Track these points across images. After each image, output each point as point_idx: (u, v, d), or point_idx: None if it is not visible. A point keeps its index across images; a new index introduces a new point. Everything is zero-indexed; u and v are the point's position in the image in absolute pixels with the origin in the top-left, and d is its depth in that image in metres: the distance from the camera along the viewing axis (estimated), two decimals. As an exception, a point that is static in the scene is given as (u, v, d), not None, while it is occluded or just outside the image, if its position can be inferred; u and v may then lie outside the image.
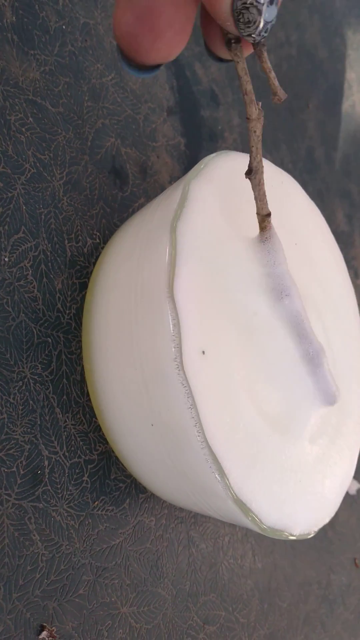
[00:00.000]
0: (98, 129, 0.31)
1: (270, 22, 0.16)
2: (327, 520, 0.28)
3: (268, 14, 0.16)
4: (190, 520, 0.32)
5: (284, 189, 0.27)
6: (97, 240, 0.30)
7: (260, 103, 0.20)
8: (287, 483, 0.26)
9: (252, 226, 0.25)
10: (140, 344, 0.23)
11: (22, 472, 0.24)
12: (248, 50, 0.18)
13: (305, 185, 0.50)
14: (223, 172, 0.26)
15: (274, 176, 0.27)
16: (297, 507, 0.26)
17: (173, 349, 0.22)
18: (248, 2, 0.15)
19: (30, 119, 0.27)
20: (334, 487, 0.28)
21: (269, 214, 0.23)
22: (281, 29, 0.51)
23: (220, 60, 0.18)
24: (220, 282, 0.24)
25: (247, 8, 0.16)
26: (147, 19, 0.14)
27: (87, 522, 0.27)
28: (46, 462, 0.25)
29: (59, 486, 0.26)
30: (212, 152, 0.41)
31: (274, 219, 0.24)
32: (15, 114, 0.27)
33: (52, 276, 0.27)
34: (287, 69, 0.51)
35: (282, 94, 0.19)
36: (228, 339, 0.23)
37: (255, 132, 0.20)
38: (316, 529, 0.27)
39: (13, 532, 0.24)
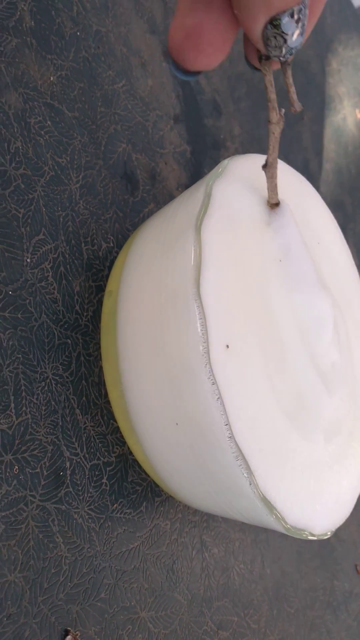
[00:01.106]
0: (111, 135, 0.32)
1: (295, 47, 0.19)
2: (343, 520, 0.28)
3: (293, 42, 0.19)
4: (202, 524, 0.32)
5: (303, 189, 0.28)
6: (111, 244, 0.30)
7: (283, 110, 0.23)
8: (307, 482, 0.26)
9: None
10: (167, 344, 0.24)
11: (45, 474, 0.24)
12: (276, 66, 0.21)
13: (302, 195, 0.51)
14: (242, 173, 0.26)
15: (293, 178, 0.28)
16: (316, 507, 0.26)
17: (201, 349, 0.22)
18: (276, 31, 0.18)
19: (49, 122, 0.28)
20: (350, 488, 0.28)
21: (277, 203, 0.25)
22: (276, 43, 0.52)
23: (256, 69, 0.22)
24: (245, 281, 0.24)
25: (275, 37, 0.18)
26: (193, 38, 0.18)
27: (107, 525, 0.26)
28: (68, 464, 0.25)
29: (80, 488, 0.26)
30: (216, 160, 0.42)
31: (297, 216, 0.24)
32: (35, 117, 0.27)
33: (70, 278, 0.27)
34: (283, 81, 0.52)
35: (298, 106, 0.22)
36: (253, 338, 0.24)
37: (274, 133, 0.23)
38: (333, 529, 0.27)
39: (38, 534, 0.23)
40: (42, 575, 0.23)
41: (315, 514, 0.26)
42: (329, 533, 0.27)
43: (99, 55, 0.32)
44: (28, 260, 0.25)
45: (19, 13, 0.27)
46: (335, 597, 0.43)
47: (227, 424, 0.22)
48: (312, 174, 0.53)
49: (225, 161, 0.26)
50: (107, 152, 0.31)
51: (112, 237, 0.30)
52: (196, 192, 0.25)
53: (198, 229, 0.24)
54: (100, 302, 0.29)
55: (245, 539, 0.35)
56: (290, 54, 0.19)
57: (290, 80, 0.22)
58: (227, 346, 0.23)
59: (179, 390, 0.23)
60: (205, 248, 0.23)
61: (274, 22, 0.18)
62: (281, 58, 0.19)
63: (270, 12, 0.18)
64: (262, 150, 0.46)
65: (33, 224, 0.26)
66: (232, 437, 0.22)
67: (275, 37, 0.19)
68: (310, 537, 0.26)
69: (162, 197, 0.35)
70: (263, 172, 0.27)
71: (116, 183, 0.31)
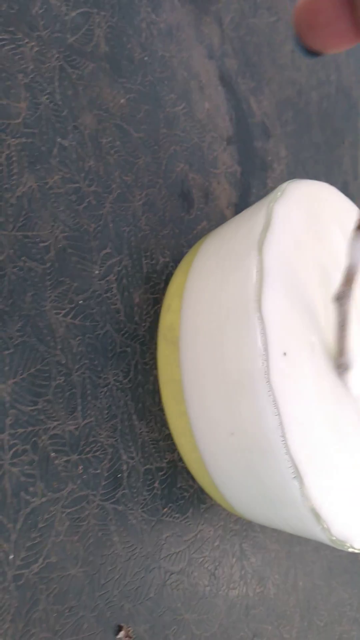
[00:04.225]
0: (170, 155, 0.33)
1: None
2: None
3: None
4: (242, 533, 0.33)
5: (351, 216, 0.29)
6: (168, 259, 0.32)
7: None
8: (353, 496, 0.27)
9: (331, 246, 0.27)
10: (227, 358, 0.25)
11: (105, 475, 0.25)
12: None
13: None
14: (301, 196, 0.27)
15: (343, 205, 0.29)
16: (358, 519, 0.27)
17: (261, 362, 0.24)
18: None
19: (118, 142, 0.29)
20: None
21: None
22: (322, 69, 0.54)
23: None
24: (304, 301, 0.25)
25: None
26: (313, 9, 0.17)
27: (157, 528, 0.28)
28: (125, 467, 0.27)
29: (135, 490, 0.27)
30: (262, 181, 0.43)
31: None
32: (106, 137, 0.28)
33: (131, 290, 0.29)
34: (326, 106, 0.53)
35: None
36: (312, 357, 0.25)
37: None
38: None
39: (97, 532, 0.25)
40: (99, 572, 0.25)
41: (357, 527, 0.27)
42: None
43: (162, 79, 0.33)
44: (97, 272, 0.27)
45: (95, 39, 0.29)
46: (362, 614, 0.44)
47: (283, 434, 0.23)
48: (351, 196, 0.55)
49: (284, 184, 0.28)
50: (167, 171, 0.33)
51: (168, 252, 0.32)
52: (257, 213, 0.27)
53: (260, 248, 0.25)
54: (156, 314, 0.30)
55: (281, 550, 0.36)
56: None
57: None
58: (285, 354, 0.24)
59: (237, 402, 0.25)
60: (266, 265, 0.25)
61: None
62: None
63: None
64: (306, 172, 0.48)
65: (102, 238, 0.27)
66: (286, 447, 0.23)
67: None
68: (350, 550, 0.27)
69: (214, 216, 0.36)
70: (320, 198, 0.29)
71: (174, 201, 0.33)
